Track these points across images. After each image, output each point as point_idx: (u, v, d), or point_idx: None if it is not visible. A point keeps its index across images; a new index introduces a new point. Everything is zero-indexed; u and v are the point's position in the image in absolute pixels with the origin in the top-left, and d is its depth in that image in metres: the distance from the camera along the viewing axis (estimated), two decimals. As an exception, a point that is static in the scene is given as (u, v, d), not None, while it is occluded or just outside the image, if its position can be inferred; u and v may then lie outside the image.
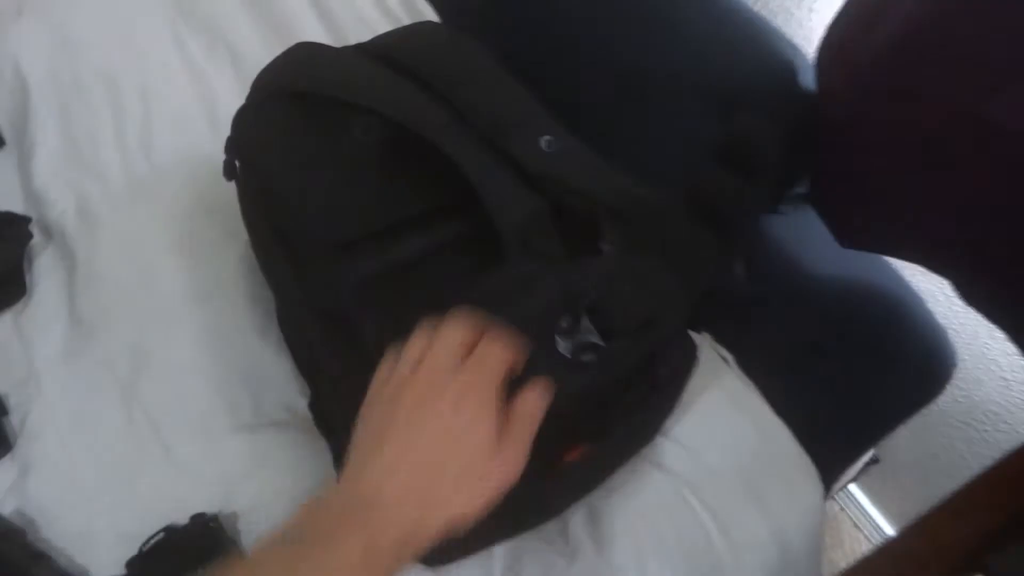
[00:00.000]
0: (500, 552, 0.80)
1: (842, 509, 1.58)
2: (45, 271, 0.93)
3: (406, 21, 1.20)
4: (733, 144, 0.85)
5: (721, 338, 1.00)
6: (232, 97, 1.06)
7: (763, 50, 0.96)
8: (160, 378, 0.87)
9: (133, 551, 0.75)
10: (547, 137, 0.71)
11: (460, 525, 0.52)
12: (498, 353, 0.55)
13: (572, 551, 0.82)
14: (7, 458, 0.83)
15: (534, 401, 0.54)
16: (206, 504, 0.78)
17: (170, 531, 0.75)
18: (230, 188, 0.86)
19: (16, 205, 0.96)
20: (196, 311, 0.90)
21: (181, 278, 0.91)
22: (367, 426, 0.55)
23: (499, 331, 0.56)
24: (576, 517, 0.84)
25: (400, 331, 0.57)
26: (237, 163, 0.79)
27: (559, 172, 0.69)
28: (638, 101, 0.99)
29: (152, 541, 0.75)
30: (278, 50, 0.83)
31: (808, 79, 0.94)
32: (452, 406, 0.53)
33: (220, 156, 0.80)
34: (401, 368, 0.56)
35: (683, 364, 0.74)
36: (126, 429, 0.84)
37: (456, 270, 0.72)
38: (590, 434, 0.69)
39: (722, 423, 0.91)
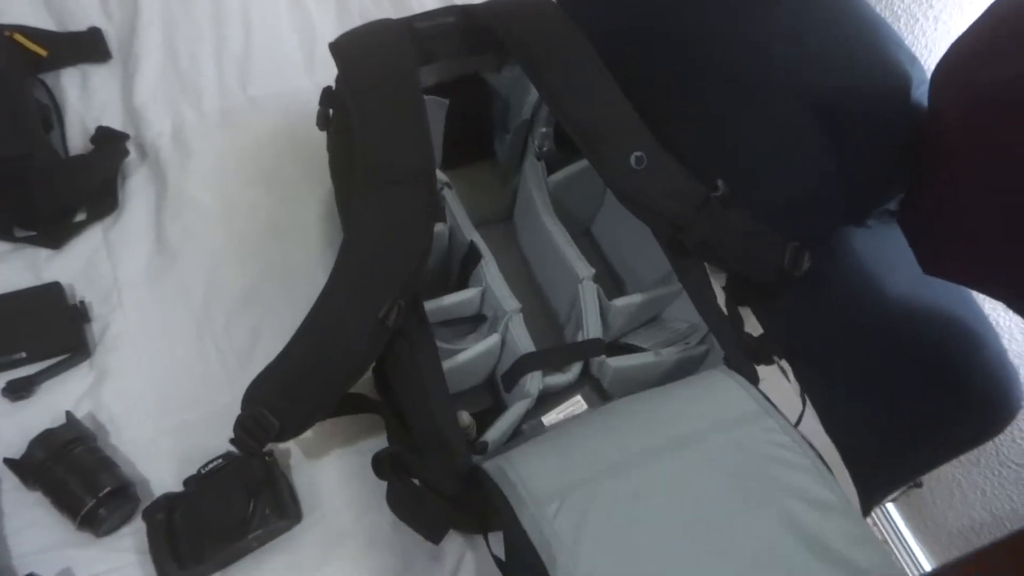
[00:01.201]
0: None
1: (875, 524, 1.57)
2: (137, 189, 0.96)
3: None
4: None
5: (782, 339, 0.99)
6: (332, 37, 1.07)
7: (880, 58, 0.93)
8: (231, 309, 0.90)
9: (192, 471, 0.79)
10: (637, 153, 0.71)
11: None
12: None
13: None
14: (85, 364, 0.87)
15: None
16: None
17: (228, 458, 0.79)
18: (319, 133, 0.88)
19: (116, 121, 0.99)
20: (272, 246, 0.93)
21: (262, 213, 0.94)
22: None
23: None
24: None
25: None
26: (331, 112, 0.81)
27: (643, 190, 0.70)
28: (749, 99, 0.97)
29: (211, 465, 0.78)
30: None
31: (921, 94, 0.91)
32: None
33: (314, 96, 0.81)
34: None
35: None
36: (196, 355, 0.88)
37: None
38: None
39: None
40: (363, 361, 0.68)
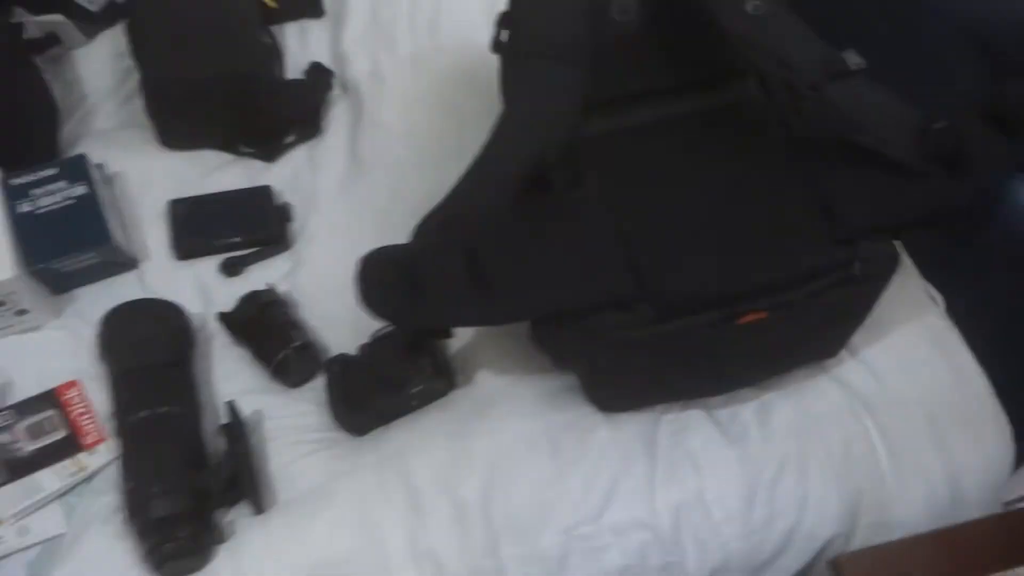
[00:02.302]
0: (667, 417, 0.87)
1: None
2: (337, 117, 1.11)
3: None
4: (998, 108, 0.84)
5: (939, 283, 0.98)
6: None
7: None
8: (409, 214, 1.01)
9: (364, 339, 0.90)
10: (755, 1, 0.73)
11: None
12: None
13: (736, 435, 0.87)
14: (286, 254, 1.02)
15: None
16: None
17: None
18: (495, 74, 1.01)
19: (324, 63, 1.16)
20: (449, 165, 1.04)
21: (442, 137, 1.06)
22: None
23: None
24: (748, 405, 0.88)
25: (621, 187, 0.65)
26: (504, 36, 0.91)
27: (760, 37, 0.73)
28: (909, 38, 0.98)
29: (382, 331, 0.89)
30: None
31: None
32: None
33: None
34: None
35: (882, 266, 0.76)
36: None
37: (679, 141, 0.80)
38: (771, 304, 0.74)
39: (917, 357, 0.91)
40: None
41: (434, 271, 0.72)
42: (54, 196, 0.96)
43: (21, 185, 0.96)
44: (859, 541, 0.86)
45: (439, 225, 0.77)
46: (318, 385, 0.92)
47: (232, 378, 0.93)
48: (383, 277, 0.74)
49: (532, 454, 0.84)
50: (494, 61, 1.11)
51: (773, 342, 0.80)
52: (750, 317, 0.73)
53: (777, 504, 0.85)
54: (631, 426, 0.86)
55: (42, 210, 0.95)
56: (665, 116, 0.81)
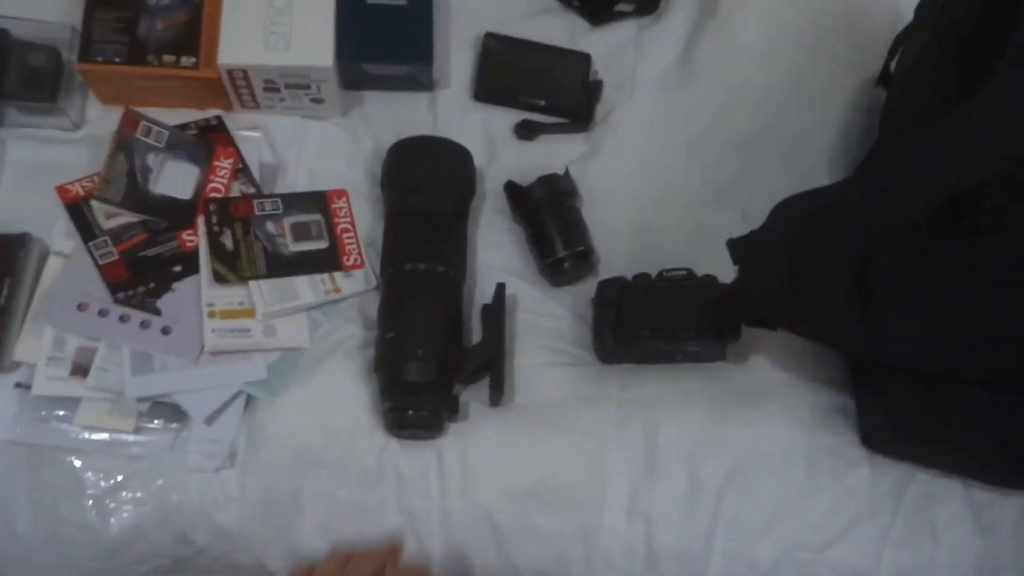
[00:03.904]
0: (922, 476, 0.81)
1: None
2: (681, 2, 0.98)
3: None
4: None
5: None
6: None
7: None
8: (728, 146, 0.93)
9: (639, 268, 0.83)
10: None
11: None
12: None
13: (987, 525, 0.80)
14: (583, 135, 0.93)
15: None
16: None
17: (691, 274, 0.82)
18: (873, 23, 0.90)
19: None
20: (791, 112, 0.93)
21: (796, 76, 0.94)
22: None
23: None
24: (1010, 503, 0.81)
25: None
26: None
27: None
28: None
29: (674, 272, 0.82)
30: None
31: None
32: None
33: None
34: None
35: None
36: (681, 172, 0.92)
37: None
38: None
39: None
40: None
41: (820, 276, 0.63)
42: (388, -11, 0.87)
43: (359, -36, 0.87)
44: None
45: (822, 214, 0.68)
46: (578, 290, 0.87)
47: (495, 250, 0.88)
48: (771, 256, 0.66)
49: (786, 463, 0.79)
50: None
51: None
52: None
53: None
54: (891, 473, 0.80)
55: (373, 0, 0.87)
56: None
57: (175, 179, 0.84)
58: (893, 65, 0.88)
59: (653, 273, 0.83)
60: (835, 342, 0.74)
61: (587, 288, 0.86)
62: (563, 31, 0.97)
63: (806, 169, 0.92)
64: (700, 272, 0.82)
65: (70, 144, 0.86)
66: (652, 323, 0.80)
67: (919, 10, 0.83)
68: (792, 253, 0.65)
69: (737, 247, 0.76)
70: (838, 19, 0.97)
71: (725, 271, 0.80)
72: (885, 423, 0.76)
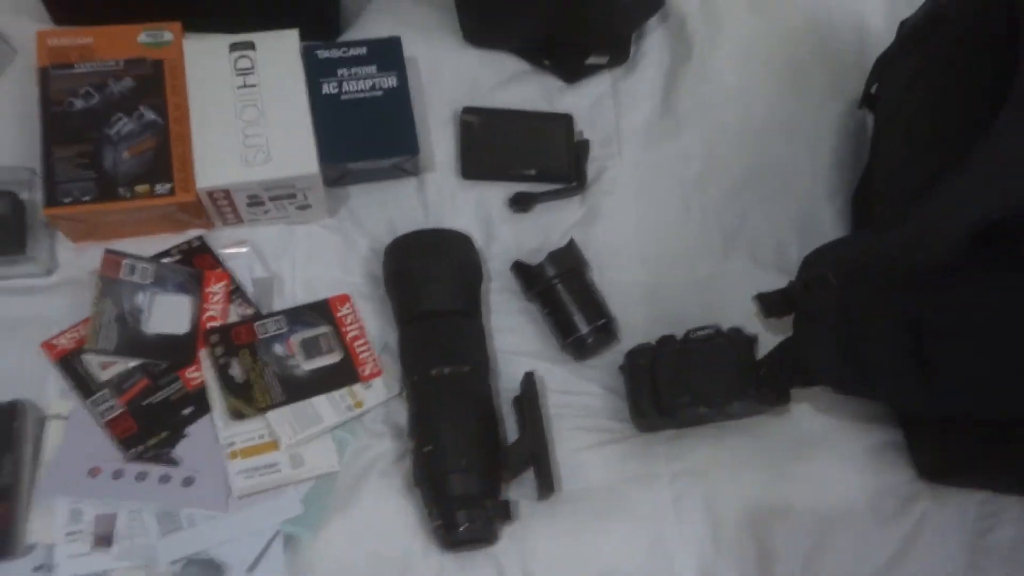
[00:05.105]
0: (978, 496, 0.80)
1: None
2: (653, 48, 0.97)
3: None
4: None
5: None
6: None
7: None
8: (725, 189, 0.91)
9: (659, 329, 0.81)
10: None
11: None
12: None
13: None
14: (578, 198, 0.91)
15: None
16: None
17: (717, 331, 0.79)
18: (849, 45, 0.91)
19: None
20: (779, 142, 0.92)
21: (778, 108, 0.93)
22: None
23: None
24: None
25: None
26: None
27: None
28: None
29: (700, 332, 0.79)
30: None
31: None
32: None
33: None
34: None
35: None
36: (682, 222, 0.91)
37: None
38: None
39: None
40: None
41: (876, 342, 0.62)
42: (362, 82, 0.84)
43: (328, 61, 0.83)
44: None
45: (855, 268, 0.66)
46: (603, 362, 0.84)
47: (511, 334, 0.85)
48: (821, 328, 0.64)
49: (850, 512, 0.78)
50: (851, 21, 0.97)
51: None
52: None
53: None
54: (954, 500, 0.79)
55: (347, 96, 0.83)
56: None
57: (168, 314, 0.78)
58: (875, 88, 0.88)
59: (678, 333, 0.81)
60: (896, 404, 0.73)
61: (612, 357, 0.84)
62: (538, 94, 0.94)
63: (805, 201, 0.91)
64: (724, 325, 0.81)
65: (45, 292, 0.80)
66: (690, 389, 0.78)
67: (902, 33, 0.82)
68: (844, 319, 0.63)
69: (767, 303, 0.74)
70: (810, 46, 0.97)
71: (747, 319, 0.80)
72: (944, 458, 0.75)
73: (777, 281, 0.77)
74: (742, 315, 0.82)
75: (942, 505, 0.78)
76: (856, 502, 0.78)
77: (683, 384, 0.78)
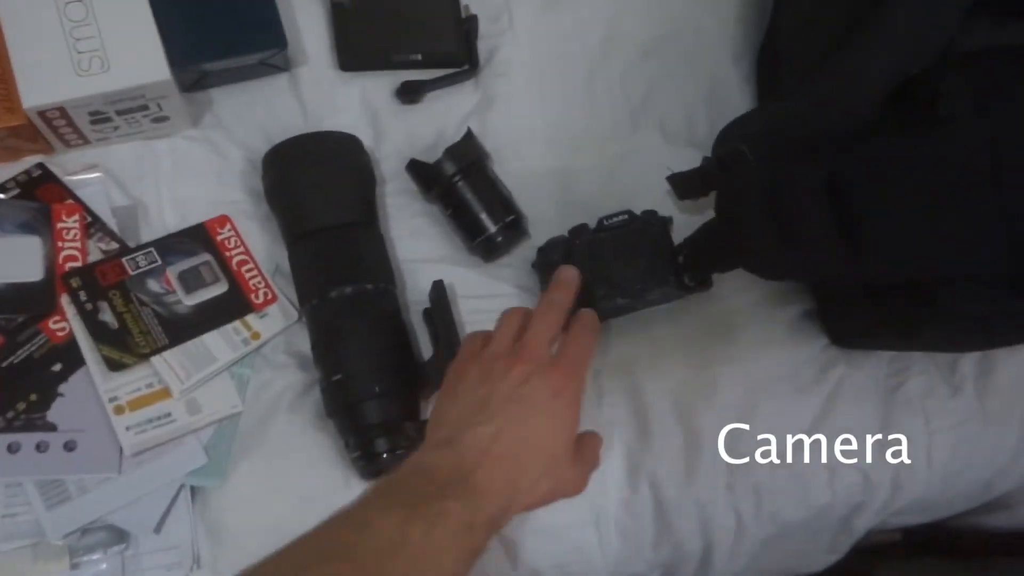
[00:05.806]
0: (889, 356, 0.82)
1: None
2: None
3: None
4: None
5: None
6: None
7: None
8: (629, 59, 0.85)
9: (571, 218, 0.75)
10: None
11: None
12: (592, 344, 0.60)
13: (956, 387, 0.82)
14: (471, 82, 0.83)
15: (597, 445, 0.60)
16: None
17: (631, 217, 0.75)
18: None
19: None
20: (683, 5, 0.86)
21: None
22: (465, 386, 0.57)
23: (591, 317, 0.62)
24: (968, 357, 0.84)
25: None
26: None
27: None
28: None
29: (614, 219, 0.75)
30: None
31: None
32: (554, 393, 0.55)
33: None
34: (501, 340, 0.59)
35: None
36: (586, 99, 0.84)
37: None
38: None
39: None
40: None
41: (800, 210, 0.58)
42: (208, -35, 0.71)
43: (162, -58, 0.70)
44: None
45: (771, 138, 0.62)
46: (515, 260, 0.79)
47: (413, 240, 0.78)
48: (748, 206, 0.60)
49: (775, 389, 0.77)
50: None
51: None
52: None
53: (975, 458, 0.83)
54: (867, 362, 0.79)
55: (193, -17, 0.71)
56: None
57: (15, 259, 0.68)
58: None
59: (590, 222, 0.76)
60: (828, 278, 0.71)
61: (524, 254, 0.79)
62: (416, -34, 0.84)
63: (713, 68, 0.86)
64: (637, 209, 0.76)
65: None
66: (606, 281, 0.74)
67: None
68: (766, 194, 0.59)
69: (681, 184, 0.70)
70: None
71: (661, 199, 0.77)
72: (856, 325, 0.75)
73: (688, 156, 0.73)
74: (655, 197, 0.78)
75: (856, 368, 0.79)
76: (778, 375, 0.78)
77: (600, 275, 0.74)
